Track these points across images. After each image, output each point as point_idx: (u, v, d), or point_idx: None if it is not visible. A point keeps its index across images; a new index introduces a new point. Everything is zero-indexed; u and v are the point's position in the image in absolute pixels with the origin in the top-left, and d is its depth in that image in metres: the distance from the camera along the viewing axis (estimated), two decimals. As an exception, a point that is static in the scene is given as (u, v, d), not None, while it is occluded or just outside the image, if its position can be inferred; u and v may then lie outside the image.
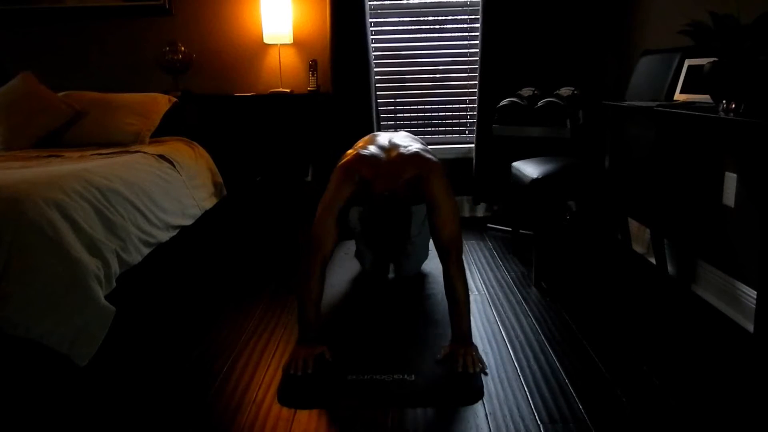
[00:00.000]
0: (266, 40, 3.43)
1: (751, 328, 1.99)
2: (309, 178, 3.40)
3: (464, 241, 3.10)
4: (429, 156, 2.00)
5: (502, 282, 2.57)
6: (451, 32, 3.60)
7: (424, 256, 2.62)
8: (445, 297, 1.90)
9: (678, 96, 2.37)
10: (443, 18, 3.59)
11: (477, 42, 3.45)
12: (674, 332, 2.05)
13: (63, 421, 1.60)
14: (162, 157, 2.72)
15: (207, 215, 2.95)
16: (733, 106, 1.76)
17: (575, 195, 2.90)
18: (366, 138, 2.25)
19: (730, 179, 2.15)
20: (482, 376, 1.76)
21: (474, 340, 1.96)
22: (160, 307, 2.37)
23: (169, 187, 2.58)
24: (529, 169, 2.66)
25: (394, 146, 2.06)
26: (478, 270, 2.73)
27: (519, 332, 2.07)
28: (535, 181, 2.53)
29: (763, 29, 1.68)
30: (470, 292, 2.38)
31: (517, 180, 2.77)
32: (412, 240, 2.46)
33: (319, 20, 3.48)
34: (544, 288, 2.49)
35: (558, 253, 2.92)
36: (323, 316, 2.01)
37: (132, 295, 2.08)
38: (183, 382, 1.78)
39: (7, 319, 1.57)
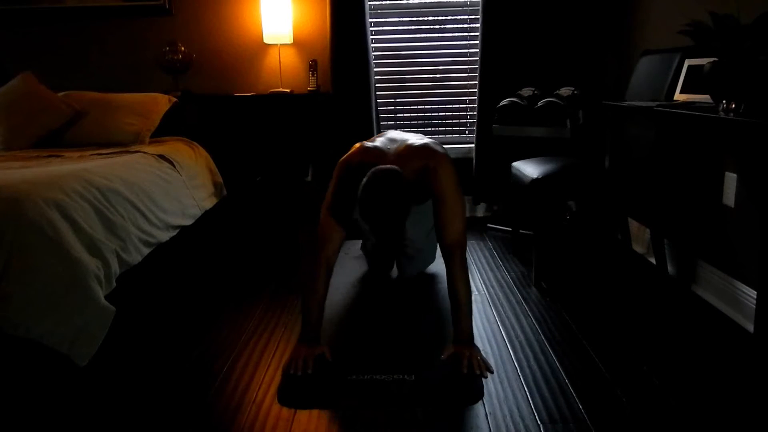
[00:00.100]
0: (266, 40, 3.43)
1: (751, 328, 1.99)
2: (309, 178, 3.40)
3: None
4: (439, 148, 1.94)
5: (502, 282, 2.57)
6: (451, 32, 3.60)
7: (430, 259, 2.59)
8: (446, 297, 1.89)
9: (678, 96, 2.37)
10: (443, 18, 3.59)
11: (477, 42, 3.45)
12: (674, 332, 2.05)
13: (63, 421, 1.60)
14: (162, 157, 2.72)
15: (207, 215, 2.95)
16: (733, 106, 1.76)
17: (575, 195, 2.90)
18: (376, 136, 2.19)
19: (730, 179, 2.15)
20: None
21: (474, 340, 1.96)
22: (160, 307, 2.37)
23: (169, 187, 2.58)
24: (529, 169, 2.66)
25: (402, 139, 1.99)
26: (478, 270, 2.73)
27: (519, 332, 2.07)
28: (535, 181, 2.53)
29: (763, 29, 1.68)
30: (471, 292, 2.40)
31: (517, 180, 2.77)
32: (416, 246, 2.45)
33: (319, 20, 3.48)
34: (544, 288, 2.49)
35: (558, 253, 2.92)
36: (324, 315, 2.00)
37: (132, 295, 2.08)
38: (183, 382, 1.78)
39: (7, 319, 1.57)
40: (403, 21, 3.60)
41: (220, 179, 3.22)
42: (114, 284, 1.89)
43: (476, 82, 3.47)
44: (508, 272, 2.70)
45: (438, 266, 2.57)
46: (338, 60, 3.39)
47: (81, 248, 1.77)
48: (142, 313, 2.23)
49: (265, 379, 1.79)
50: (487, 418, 1.56)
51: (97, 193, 2.02)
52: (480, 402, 1.64)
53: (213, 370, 1.86)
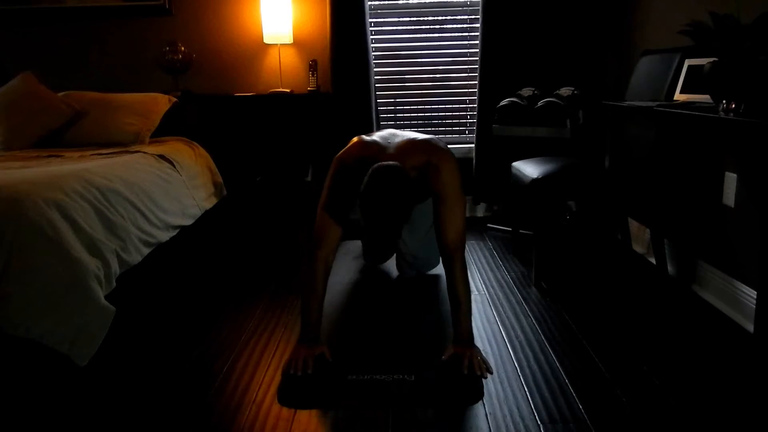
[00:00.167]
0: (266, 40, 3.43)
1: (751, 328, 1.99)
2: (309, 178, 3.40)
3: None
4: (441, 145, 1.87)
5: (502, 282, 2.57)
6: (451, 32, 3.60)
7: (433, 263, 2.54)
8: (446, 297, 1.89)
9: (678, 96, 2.37)
10: (443, 18, 3.59)
11: (477, 42, 3.45)
12: (674, 332, 2.05)
13: (63, 421, 1.60)
14: (162, 157, 2.72)
15: (207, 215, 2.95)
16: (733, 106, 1.76)
17: (575, 195, 2.90)
18: (374, 131, 2.13)
19: (730, 179, 2.14)
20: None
21: (474, 341, 1.96)
22: (160, 307, 2.37)
23: (169, 187, 2.58)
24: (529, 169, 2.66)
25: (402, 135, 1.93)
26: (478, 270, 2.73)
27: (519, 332, 2.07)
28: (535, 181, 2.53)
29: (763, 29, 1.68)
30: (471, 293, 2.40)
31: (517, 180, 2.77)
32: (412, 252, 2.44)
33: (319, 20, 3.48)
34: (544, 288, 2.49)
35: (558, 253, 2.92)
36: (324, 315, 2.00)
37: (132, 295, 2.08)
38: (183, 382, 1.78)
39: (7, 319, 1.57)
40: (403, 21, 3.60)
41: (220, 179, 3.22)
42: (114, 284, 1.89)
43: (476, 82, 3.47)
44: (508, 272, 2.70)
45: (438, 266, 2.57)
46: (338, 60, 3.39)
47: (81, 248, 1.77)
48: (142, 313, 2.23)
49: (265, 379, 1.79)
50: (487, 418, 1.56)
51: (97, 193, 2.02)
52: (480, 402, 1.64)
53: (213, 370, 1.86)
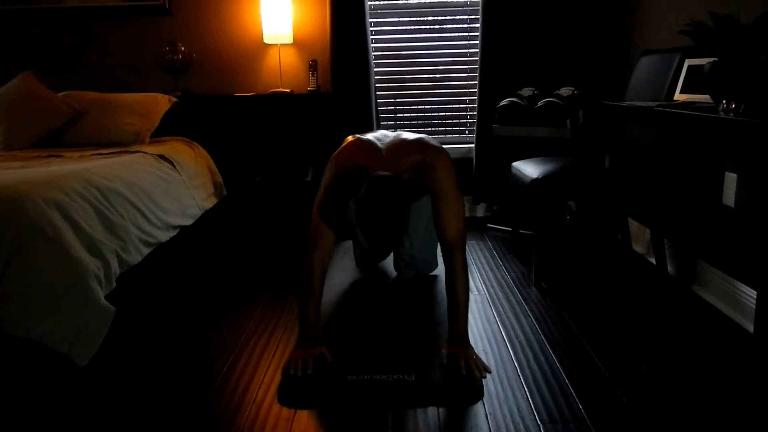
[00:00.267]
0: (266, 40, 3.43)
1: (751, 328, 1.99)
2: (309, 178, 3.40)
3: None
4: (435, 143, 1.88)
5: (502, 282, 2.57)
6: (451, 32, 3.60)
7: (432, 264, 2.55)
8: (445, 297, 1.89)
9: (678, 96, 2.37)
10: (443, 18, 3.58)
11: (477, 42, 3.45)
12: (674, 332, 2.05)
13: (63, 421, 1.60)
14: (162, 157, 2.72)
15: (207, 215, 2.95)
16: (733, 106, 1.76)
17: (575, 195, 2.90)
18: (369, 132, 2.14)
19: (730, 179, 2.14)
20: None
21: (474, 340, 1.96)
22: (160, 307, 2.37)
23: (169, 187, 2.58)
24: (529, 169, 2.66)
25: (397, 135, 1.93)
26: (478, 270, 2.73)
27: (519, 332, 2.07)
28: (535, 181, 2.53)
29: (763, 29, 1.68)
30: (470, 292, 2.39)
31: (517, 180, 2.77)
32: (410, 253, 2.44)
33: (319, 20, 3.48)
34: (544, 288, 2.49)
35: (558, 253, 2.92)
36: (323, 316, 2.00)
37: (132, 295, 2.08)
38: (183, 382, 1.78)
39: (7, 319, 1.57)
40: (403, 21, 3.60)
41: (220, 179, 3.22)
42: (114, 284, 1.89)
43: (476, 82, 3.47)
44: (508, 272, 2.70)
45: (437, 267, 2.57)
46: (338, 60, 3.39)
47: (81, 248, 1.77)
48: (142, 313, 2.23)
49: (265, 379, 1.79)
50: (487, 418, 1.56)
51: (97, 193, 2.02)
52: (480, 402, 1.64)
53: (213, 370, 1.86)
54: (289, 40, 3.42)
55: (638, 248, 2.92)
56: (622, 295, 2.40)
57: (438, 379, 1.73)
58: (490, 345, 1.98)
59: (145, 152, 2.67)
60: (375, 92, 3.50)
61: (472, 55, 3.57)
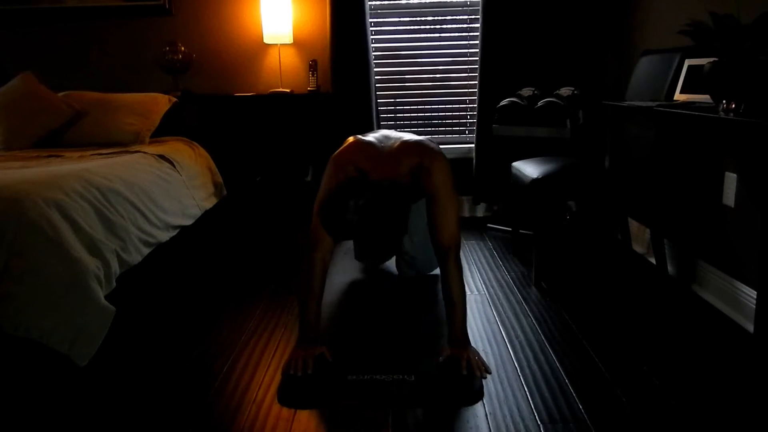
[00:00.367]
0: (266, 40, 3.43)
1: (751, 328, 1.99)
2: (309, 178, 3.40)
3: (464, 241, 3.10)
4: (433, 147, 1.89)
5: (502, 282, 2.57)
6: (451, 32, 3.60)
7: (430, 266, 2.54)
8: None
9: (678, 96, 2.37)
10: (443, 18, 3.59)
11: (477, 42, 3.45)
12: (674, 332, 2.05)
13: (63, 421, 1.60)
14: (162, 157, 2.72)
15: (207, 215, 2.95)
16: (733, 106, 1.76)
17: (575, 195, 2.90)
18: (370, 131, 2.15)
19: (730, 179, 2.14)
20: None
21: (474, 340, 1.96)
22: (160, 307, 2.37)
23: (169, 187, 2.58)
24: (529, 169, 2.66)
25: (396, 137, 1.95)
26: (478, 270, 2.73)
27: (519, 332, 2.07)
28: (535, 181, 2.53)
29: (763, 29, 1.68)
30: (470, 292, 2.40)
31: (517, 180, 2.77)
32: (410, 254, 2.43)
33: (319, 20, 3.48)
34: (544, 288, 2.49)
35: (558, 253, 2.92)
36: (323, 316, 2.00)
37: (132, 295, 2.08)
38: (183, 382, 1.78)
39: (7, 319, 1.57)
40: (403, 21, 3.60)
41: (220, 179, 3.22)
42: (114, 284, 1.89)
43: (476, 82, 3.47)
44: (508, 272, 2.70)
45: (437, 267, 2.57)
46: (338, 60, 3.39)
47: (81, 248, 1.77)
48: (142, 313, 2.23)
49: (265, 379, 1.79)
50: (487, 418, 1.56)
51: (97, 193, 2.02)
52: (480, 402, 1.64)
53: (213, 370, 1.86)
54: (289, 40, 3.42)
55: (638, 248, 2.92)
56: (622, 295, 2.40)
57: (438, 379, 1.73)
58: (490, 345, 1.98)
59: (145, 152, 2.67)
60: (375, 92, 3.50)
61: (472, 55, 3.57)
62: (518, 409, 1.60)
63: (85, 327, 1.70)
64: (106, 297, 1.80)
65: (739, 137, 2.05)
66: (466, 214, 3.69)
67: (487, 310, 2.27)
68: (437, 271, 2.56)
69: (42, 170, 2.11)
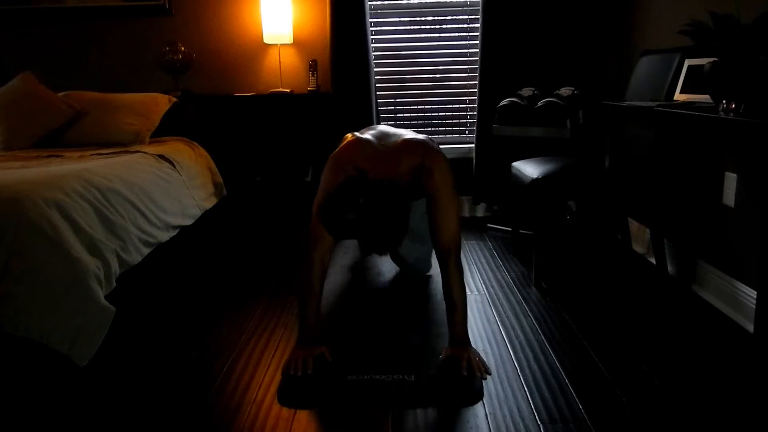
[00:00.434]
0: (266, 40, 3.43)
1: (751, 328, 1.99)
2: (309, 178, 3.40)
3: (464, 241, 3.10)
4: (434, 146, 1.89)
5: (502, 282, 2.57)
6: (451, 32, 3.60)
7: (427, 266, 2.55)
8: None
9: (678, 96, 2.37)
10: (443, 18, 3.59)
11: (477, 42, 3.45)
12: (674, 332, 2.05)
13: (63, 421, 1.60)
14: (162, 157, 2.72)
15: (207, 215, 2.95)
16: (733, 106, 1.76)
17: (575, 195, 2.90)
18: (368, 128, 2.13)
19: (730, 179, 2.15)
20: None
21: (474, 340, 1.96)
22: (160, 307, 2.37)
23: (169, 187, 2.59)
24: (529, 169, 2.66)
25: (396, 135, 1.93)
26: (478, 270, 2.73)
27: (519, 332, 2.07)
28: (535, 181, 2.53)
29: (763, 29, 1.68)
30: (470, 292, 2.40)
31: (517, 180, 2.77)
32: (413, 255, 2.43)
33: (319, 20, 3.48)
34: (544, 288, 2.49)
35: (558, 253, 2.92)
36: (323, 316, 2.00)
37: (132, 295, 2.08)
38: (183, 382, 1.78)
39: (7, 319, 1.57)
40: (403, 21, 3.60)
41: (220, 179, 3.22)
42: (114, 284, 1.89)
43: (476, 82, 3.47)
44: (508, 272, 2.70)
45: (435, 266, 2.56)
46: (338, 60, 3.39)
47: (81, 248, 1.77)
48: (142, 313, 2.23)
49: (265, 379, 1.79)
50: (487, 418, 1.56)
51: (97, 193, 2.02)
52: (480, 402, 1.64)
53: (213, 370, 1.86)
54: (289, 40, 3.42)
55: (638, 248, 2.92)
56: (622, 295, 2.40)
57: (438, 379, 1.73)
58: (490, 345, 1.98)
59: (145, 152, 2.67)
60: (375, 92, 3.50)
61: (472, 55, 3.57)
62: (518, 409, 1.60)
63: (85, 327, 1.70)
64: (106, 297, 1.80)
65: (739, 137, 2.05)
66: (466, 214, 3.69)
67: (487, 310, 2.27)
68: (437, 271, 2.57)
69: (42, 170, 2.11)
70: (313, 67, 3.39)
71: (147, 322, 2.22)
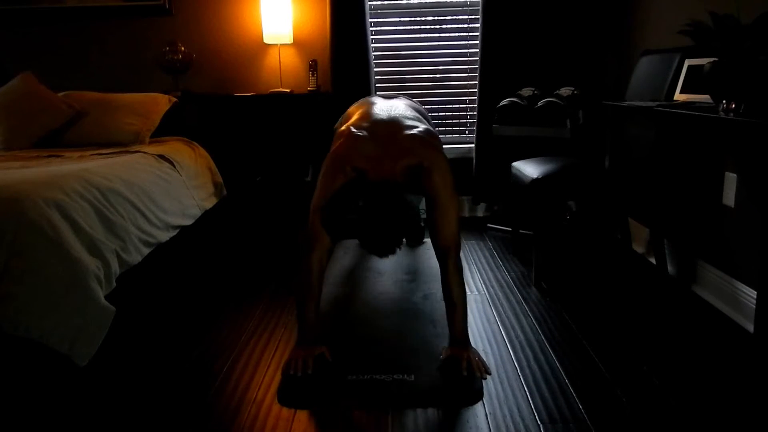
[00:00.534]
0: (266, 40, 3.43)
1: (751, 328, 1.99)
2: (309, 178, 3.41)
3: (464, 241, 3.10)
4: (434, 144, 1.85)
5: (502, 282, 2.57)
6: (451, 32, 3.60)
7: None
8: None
9: (678, 96, 2.37)
10: (443, 18, 3.59)
11: (477, 42, 3.45)
12: (674, 332, 2.05)
13: (63, 421, 1.60)
14: (162, 157, 2.72)
15: (207, 215, 2.95)
16: (733, 106, 1.76)
17: (575, 195, 2.90)
18: (362, 107, 2.05)
19: (730, 179, 2.15)
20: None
21: (474, 340, 1.96)
22: (160, 307, 2.37)
23: (169, 187, 2.58)
24: (529, 169, 2.66)
25: (395, 126, 1.86)
26: (478, 270, 2.73)
27: (519, 332, 2.07)
28: (535, 181, 2.53)
29: (763, 29, 1.68)
30: (470, 292, 2.40)
31: (517, 180, 2.77)
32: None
33: (319, 20, 3.48)
34: (544, 288, 2.49)
35: (558, 253, 2.92)
36: (323, 316, 2.00)
37: (132, 295, 2.08)
38: (183, 382, 1.78)
39: (7, 319, 1.57)
40: (403, 21, 3.60)
41: (220, 179, 3.22)
42: (114, 284, 1.89)
43: (476, 82, 3.47)
44: (508, 272, 2.70)
45: (435, 266, 2.56)
46: (338, 60, 3.39)
47: (81, 248, 1.77)
48: (142, 313, 2.23)
49: (265, 379, 1.79)
50: (487, 418, 1.56)
51: (97, 193, 2.02)
52: (480, 402, 1.64)
53: (213, 370, 1.86)
54: (289, 40, 3.42)
55: (638, 248, 2.92)
56: (622, 295, 2.40)
57: (438, 379, 1.73)
58: (490, 345, 1.98)
59: (145, 152, 2.67)
60: (375, 92, 3.50)
61: (472, 55, 3.57)
62: (518, 409, 1.60)
63: (85, 327, 1.70)
64: (106, 297, 1.80)
65: (739, 137, 2.05)
66: (466, 214, 3.69)
67: (487, 310, 2.27)
68: (435, 268, 2.57)
69: (42, 170, 2.11)
70: (313, 67, 3.39)
71: (147, 322, 2.22)
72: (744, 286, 2.09)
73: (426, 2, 3.55)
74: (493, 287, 2.51)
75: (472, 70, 3.58)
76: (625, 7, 3.21)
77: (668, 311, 2.23)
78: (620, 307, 2.27)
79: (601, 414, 1.56)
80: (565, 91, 3.06)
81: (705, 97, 2.10)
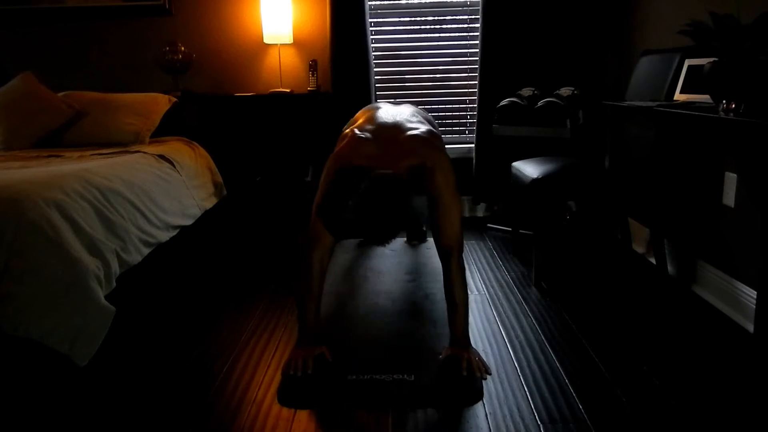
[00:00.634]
0: (266, 40, 3.43)
1: (751, 328, 1.99)
2: (309, 178, 3.41)
3: (465, 241, 3.10)
4: (436, 144, 1.85)
5: (502, 282, 2.57)
6: (451, 32, 3.60)
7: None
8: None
9: (678, 96, 2.37)
10: (443, 18, 3.59)
11: (477, 42, 3.45)
12: (674, 332, 2.05)
13: (63, 421, 1.60)
14: (162, 157, 2.72)
15: (207, 215, 2.95)
16: (733, 106, 1.76)
17: (575, 195, 2.90)
18: (368, 112, 2.06)
19: (730, 179, 2.15)
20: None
21: (474, 340, 1.96)
22: (160, 307, 2.37)
23: (169, 187, 2.58)
24: (529, 169, 2.66)
25: (398, 128, 1.87)
26: (478, 270, 2.73)
27: (519, 332, 2.07)
28: (535, 181, 2.53)
29: (763, 29, 1.68)
30: (470, 292, 2.40)
31: (517, 180, 2.77)
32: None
33: (319, 20, 3.48)
34: (544, 288, 2.49)
35: (558, 253, 2.92)
36: (323, 316, 2.00)
37: (132, 295, 2.08)
38: (183, 382, 1.78)
39: (7, 319, 1.57)
40: (403, 21, 3.60)
41: (220, 179, 3.22)
42: (114, 284, 1.89)
43: (476, 82, 3.47)
44: (508, 272, 2.70)
45: (436, 265, 2.56)
46: (338, 60, 3.39)
47: (81, 248, 1.77)
48: (142, 313, 2.23)
49: (265, 379, 1.79)
50: (487, 418, 1.56)
51: (97, 193, 2.02)
52: (480, 402, 1.64)
53: (213, 370, 1.86)
54: (289, 40, 3.42)
55: (638, 248, 2.92)
56: (622, 295, 2.40)
57: (438, 379, 1.73)
58: (490, 345, 1.98)
59: (145, 152, 2.67)
60: (375, 92, 3.50)
61: (472, 55, 3.57)
62: (518, 409, 1.60)
63: (85, 327, 1.70)
64: (106, 297, 1.80)
65: (739, 137, 2.05)
66: (466, 214, 3.69)
67: (487, 310, 2.27)
68: (436, 268, 2.57)
69: (42, 170, 2.11)
70: (313, 67, 3.39)
71: (147, 322, 2.22)
72: (744, 286, 2.09)
73: (426, 2, 3.55)
74: (493, 287, 2.51)
75: (472, 70, 3.58)
76: (625, 7, 3.21)
77: (668, 311, 2.23)
78: (620, 307, 2.27)
79: (601, 414, 1.56)
80: (565, 91, 3.06)
81: (705, 97, 2.10)
